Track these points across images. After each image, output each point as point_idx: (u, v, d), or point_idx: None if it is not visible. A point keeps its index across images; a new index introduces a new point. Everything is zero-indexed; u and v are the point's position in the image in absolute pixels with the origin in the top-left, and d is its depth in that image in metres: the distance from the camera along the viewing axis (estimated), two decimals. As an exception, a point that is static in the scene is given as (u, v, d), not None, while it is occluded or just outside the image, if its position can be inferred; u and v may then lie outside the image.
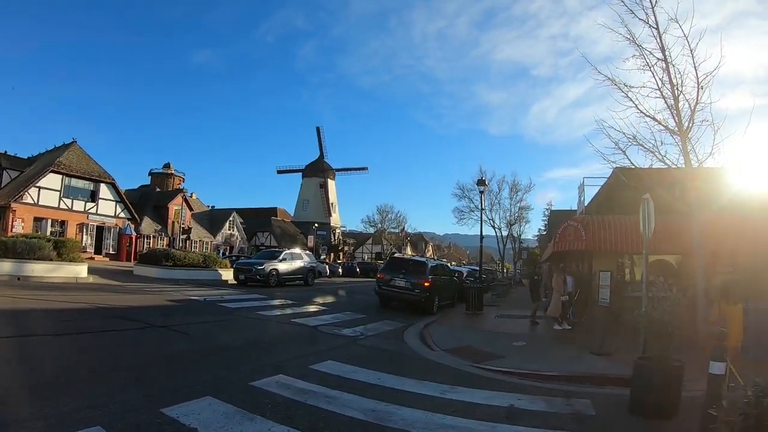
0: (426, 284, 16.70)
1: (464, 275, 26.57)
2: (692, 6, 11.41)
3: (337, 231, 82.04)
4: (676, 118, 11.98)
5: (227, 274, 25.35)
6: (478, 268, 25.53)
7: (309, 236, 66.18)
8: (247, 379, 6.53)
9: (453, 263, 73.99)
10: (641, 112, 12.35)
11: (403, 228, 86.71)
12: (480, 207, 22.16)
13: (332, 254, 74.48)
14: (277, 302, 16.62)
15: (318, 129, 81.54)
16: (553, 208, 54.51)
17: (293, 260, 26.11)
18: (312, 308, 16.22)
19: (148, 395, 5.45)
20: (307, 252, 28.18)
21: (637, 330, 7.39)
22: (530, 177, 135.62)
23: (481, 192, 21.68)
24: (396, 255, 25.99)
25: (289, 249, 29.96)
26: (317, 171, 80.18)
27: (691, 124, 11.85)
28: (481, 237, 21.28)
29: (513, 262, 68.73)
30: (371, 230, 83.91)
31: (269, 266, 23.57)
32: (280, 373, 7.04)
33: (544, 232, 56.77)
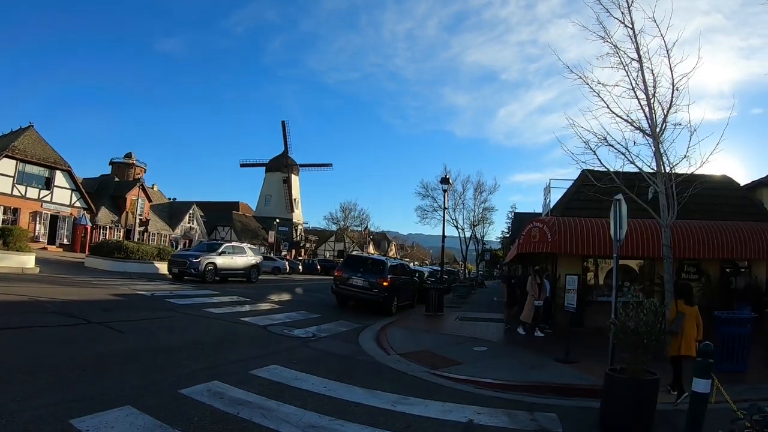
0: (385, 284, 16.03)
1: (425, 275, 25.95)
2: (671, 7, 11.07)
3: (300, 227, 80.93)
4: (649, 120, 11.63)
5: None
6: (439, 269, 25.08)
7: (270, 232, 64.98)
8: (178, 386, 5.81)
9: (416, 263, 73.80)
10: (613, 113, 12.00)
11: (367, 226, 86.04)
12: (443, 206, 21.50)
13: (294, 251, 73.40)
14: (228, 299, 15.64)
15: (283, 123, 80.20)
16: (517, 211, 54.14)
17: (234, 254, 23.93)
18: (265, 306, 15.33)
19: (62, 402, 4.77)
20: (252, 246, 26.39)
21: (608, 338, 6.88)
22: (495, 178, 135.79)
23: (445, 191, 21.13)
24: (354, 253, 25.21)
25: (231, 242, 28.27)
26: (281, 166, 78.78)
27: (664, 126, 11.52)
28: (443, 236, 20.70)
29: (476, 264, 68.74)
30: (334, 227, 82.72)
31: (206, 260, 21.44)
32: (216, 378, 6.30)
33: (508, 235, 56.72)
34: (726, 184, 17.60)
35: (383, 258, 19.12)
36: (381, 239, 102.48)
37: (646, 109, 11.65)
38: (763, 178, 18.67)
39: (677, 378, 7.25)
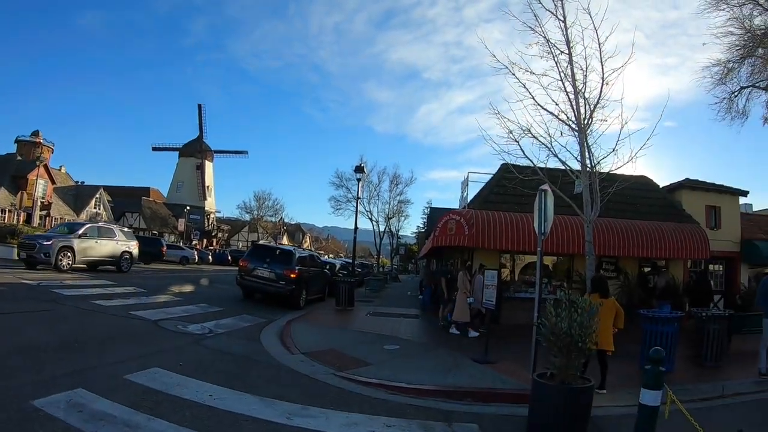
0: (292, 275, 14.91)
1: (337, 268, 24.94)
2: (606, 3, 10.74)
3: (212, 216, 77.76)
4: (576, 113, 11.25)
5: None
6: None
7: (180, 220, 62.14)
8: (33, 395, 4.64)
9: (330, 256, 72.62)
10: (539, 105, 11.59)
11: (282, 217, 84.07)
12: (356, 196, 20.62)
13: (205, 240, 70.53)
14: (123, 290, 13.95)
15: (199, 106, 76.26)
16: (433, 206, 53.52)
17: (100, 238, 19.75)
18: (163, 299, 13.77)
19: None
20: (126, 230, 22.29)
21: (529, 337, 6.19)
22: (412, 170, 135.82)
23: (359, 180, 20.28)
24: (261, 242, 23.80)
25: (97, 223, 24.03)
26: (195, 151, 75.19)
27: (590, 120, 11.19)
28: (356, 227, 19.77)
29: (390, 258, 68.44)
30: (247, 217, 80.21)
31: (60, 243, 17.56)
32: (82, 386, 5.09)
33: (423, 230, 56.37)
34: (646, 184, 17.87)
35: (291, 248, 17.84)
36: (296, 231, 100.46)
37: (574, 102, 11.30)
38: (683, 181, 18.93)
39: (604, 375, 7.11)
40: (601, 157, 11.12)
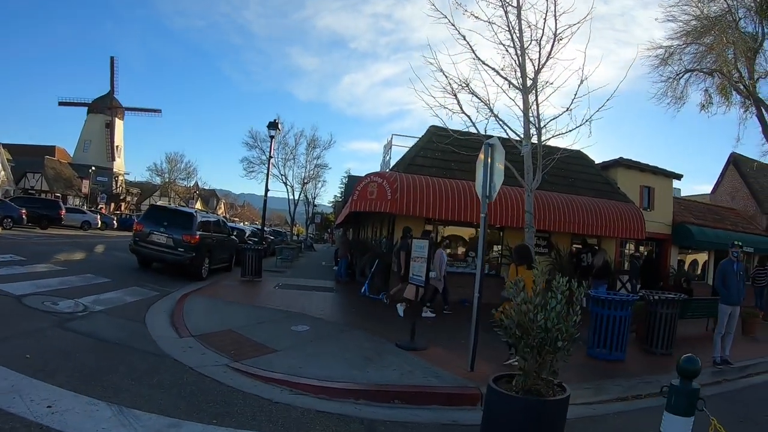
0: (192, 241, 12.94)
1: (246, 235, 22.92)
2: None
3: (121, 178, 72.58)
4: (522, 69, 10.02)
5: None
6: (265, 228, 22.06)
7: (85, 181, 57.72)
8: None
9: (246, 223, 69.75)
10: (479, 59, 10.33)
11: (196, 182, 79.69)
12: (269, 155, 18.50)
13: (113, 204, 66.02)
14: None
15: (112, 59, 69.68)
16: (352, 174, 50.59)
17: None
18: (42, 268, 11.45)
19: None
20: None
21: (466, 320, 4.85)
22: (331, 133, 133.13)
23: (272, 136, 18.18)
24: (159, 204, 21.37)
25: None
26: (105, 108, 69.17)
27: (536, 79, 10.03)
28: (266, 188, 17.65)
29: (305, 226, 65.86)
30: (158, 180, 75.60)
31: None
32: None
33: (341, 198, 54.39)
34: (581, 159, 17.12)
35: (192, 210, 15.67)
36: (210, 196, 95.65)
37: (520, 57, 10.06)
38: (618, 159, 18.44)
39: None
40: (551, 118, 9.97)
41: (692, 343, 9.66)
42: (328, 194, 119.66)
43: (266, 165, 46.54)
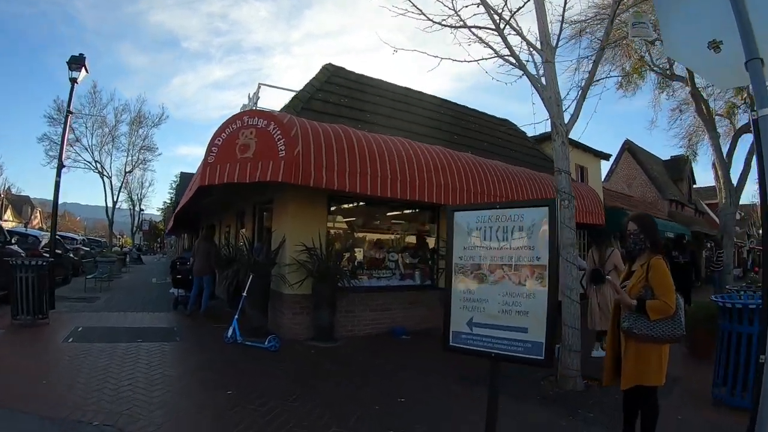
0: None
1: (41, 245, 14.57)
2: None
3: None
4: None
5: None
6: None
7: None
8: None
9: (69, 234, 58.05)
10: None
11: (9, 187, 63.73)
12: (67, 109, 11.05)
13: None
14: None
15: None
16: (184, 171, 37.18)
17: None
18: None
19: None
20: None
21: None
22: (163, 106, 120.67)
23: (73, 80, 10.31)
24: None
25: None
26: None
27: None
28: (60, 162, 10.19)
29: (131, 235, 55.53)
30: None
31: None
32: None
33: (170, 202, 45.82)
34: (514, 130, 14.97)
35: None
36: (23, 204, 79.74)
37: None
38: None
39: None
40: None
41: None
42: (156, 199, 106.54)
43: (74, 146, 35.72)
